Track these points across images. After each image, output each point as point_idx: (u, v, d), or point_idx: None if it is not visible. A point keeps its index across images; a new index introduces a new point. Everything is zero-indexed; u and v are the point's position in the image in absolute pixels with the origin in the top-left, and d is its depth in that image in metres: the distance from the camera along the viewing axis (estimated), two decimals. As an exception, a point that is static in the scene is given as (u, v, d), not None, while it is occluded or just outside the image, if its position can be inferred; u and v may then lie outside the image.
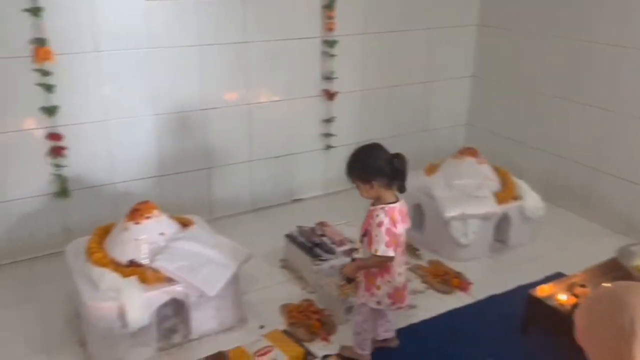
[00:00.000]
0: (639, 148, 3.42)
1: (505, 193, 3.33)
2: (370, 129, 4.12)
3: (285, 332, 2.59)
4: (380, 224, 2.20)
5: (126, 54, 3.16)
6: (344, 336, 2.58)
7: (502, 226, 3.34)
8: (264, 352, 2.41)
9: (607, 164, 3.61)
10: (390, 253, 2.20)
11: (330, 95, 3.87)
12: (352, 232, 3.13)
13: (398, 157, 2.25)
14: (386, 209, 2.22)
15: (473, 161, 3.39)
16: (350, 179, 2.29)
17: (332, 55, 3.79)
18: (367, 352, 2.44)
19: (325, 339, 2.57)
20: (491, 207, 3.21)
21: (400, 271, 2.31)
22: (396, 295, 2.33)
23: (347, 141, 4.10)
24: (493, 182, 3.38)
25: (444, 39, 4.25)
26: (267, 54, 3.59)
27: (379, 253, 2.19)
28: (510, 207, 3.30)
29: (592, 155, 3.70)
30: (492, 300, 2.88)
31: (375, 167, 2.22)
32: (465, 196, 3.22)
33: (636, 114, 3.40)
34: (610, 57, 3.48)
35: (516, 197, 3.34)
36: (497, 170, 3.49)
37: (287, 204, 3.95)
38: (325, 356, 2.46)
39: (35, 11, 2.81)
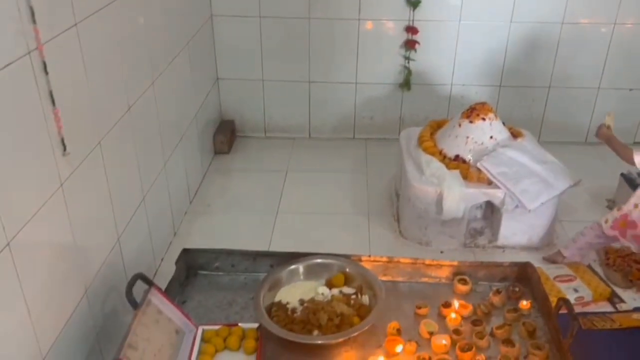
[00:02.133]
0: None
1: None
2: None
3: (589, 267, 2.42)
4: None
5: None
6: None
7: None
8: (565, 279, 2.32)
9: None
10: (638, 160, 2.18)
11: None
12: None
13: None
14: None
15: None
16: None
17: None
18: (565, 256, 2.44)
19: (644, 292, 2.30)
20: None
21: (638, 203, 2.21)
22: (620, 224, 2.24)
23: None
24: None
25: None
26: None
27: (634, 150, 2.22)
28: None
29: None
30: None
31: None
32: None
33: None
34: None
35: None
36: None
37: (631, 144, 3.49)
38: (638, 308, 2.22)
39: None
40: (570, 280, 2.31)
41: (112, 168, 1.93)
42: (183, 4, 2.76)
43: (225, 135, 3.41)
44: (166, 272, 2.20)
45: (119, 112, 2.01)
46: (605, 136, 2.39)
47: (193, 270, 2.17)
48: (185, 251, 2.14)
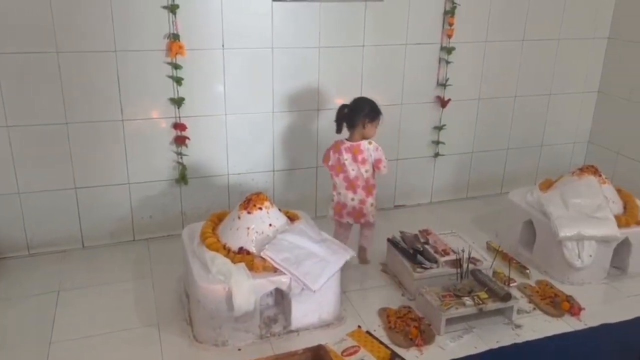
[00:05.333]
0: None
1: (628, 217, 3.10)
2: (482, 139, 4.03)
3: (368, 332, 2.60)
4: None
5: (248, 52, 3.31)
6: (440, 347, 2.53)
7: (621, 252, 3.10)
8: (352, 352, 2.45)
9: None
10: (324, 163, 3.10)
11: (443, 103, 3.81)
12: (458, 243, 3.06)
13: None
14: (337, 140, 3.06)
15: (594, 180, 3.18)
16: None
17: (449, 62, 3.73)
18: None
19: (419, 347, 2.51)
20: (611, 230, 2.98)
21: (340, 192, 3.08)
22: (337, 209, 3.10)
23: (457, 150, 4.04)
24: (615, 205, 3.16)
25: (571, 51, 4.06)
26: (384, 58, 3.61)
27: None
28: (633, 232, 3.06)
29: None
30: (606, 328, 2.68)
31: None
32: (583, 216, 3.02)
33: None
34: None
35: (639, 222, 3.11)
36: (619, 192, 3.28)
37: (389, 209, 3.94)
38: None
39: (173, 8, 3.03)
40: (356, 351, 2.44)
41: None
42: None
43: (-23, 262, 2.93)
44: None
45: None
46: None
47: None
48: None
